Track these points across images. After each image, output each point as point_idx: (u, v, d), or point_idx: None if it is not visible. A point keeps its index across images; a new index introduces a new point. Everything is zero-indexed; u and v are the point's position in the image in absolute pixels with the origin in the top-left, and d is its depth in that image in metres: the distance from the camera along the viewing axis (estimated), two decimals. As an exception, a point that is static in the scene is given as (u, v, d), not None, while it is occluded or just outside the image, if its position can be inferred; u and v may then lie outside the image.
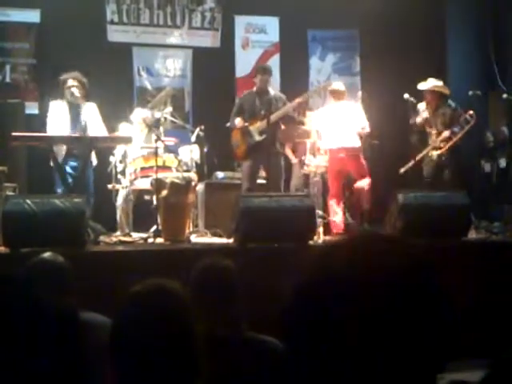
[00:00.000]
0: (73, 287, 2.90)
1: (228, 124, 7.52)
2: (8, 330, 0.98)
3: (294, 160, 8.73)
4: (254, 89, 7.51)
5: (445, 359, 0.97)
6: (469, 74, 8.95)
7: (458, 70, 9.53)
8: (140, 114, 7.63)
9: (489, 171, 8.65)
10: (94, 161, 7.09)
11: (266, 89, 7.42)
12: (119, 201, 7.16)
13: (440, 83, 8.02)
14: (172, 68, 10.03)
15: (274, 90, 7.67)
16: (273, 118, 7.19)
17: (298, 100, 7.46)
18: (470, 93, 7.98)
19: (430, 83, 7.97)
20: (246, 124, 7.30)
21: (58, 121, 6.95)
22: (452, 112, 7.87)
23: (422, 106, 8.00)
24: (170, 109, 7.91)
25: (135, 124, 7.59)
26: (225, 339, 2.61)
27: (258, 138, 7.25)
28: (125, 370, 1.67)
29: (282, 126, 7.62)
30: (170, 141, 7.56)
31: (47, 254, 3.14)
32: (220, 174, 8.29)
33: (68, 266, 3.11)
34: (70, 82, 6.96)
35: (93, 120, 7.08)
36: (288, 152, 8.70)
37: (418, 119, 7.94)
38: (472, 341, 4.60)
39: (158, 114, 7.66)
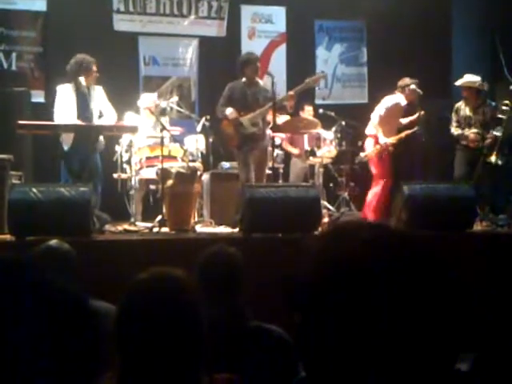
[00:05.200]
0: (78, 274, 2.91)
1: (218, 114, 7.37)
2: (17, 316, 0.99)
3: (295, 151, 8.74)
4: (243, 79, 7.31)
5: (459, 349, 0.98)
6: (475, 65, 8.89)
7: (465, 60, 9.48)
8: (146, 100, 7.63)
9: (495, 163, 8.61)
10: (102, 145, 7.05)
11: (255, 79, 7.32)
12: (133, 189, 7.18)
13: (476, 79, 7.85)
14: (178, 57, 10.01)
15: (263, 82, 7.59)
16: (279, 102, 7.15)
17: (296, 88, 7.42)
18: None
19: (465, 79, 7.88)
20: (237, 116, 7.17)
21: (65, 106, 6.91)
22: (492, 112, 7.76)
23: (459, 104, 7.91)
24: (175, 98, 7.91)
25: (141, 110, 7.58)
26: (229, 327, 2.62)
27: (251, 129, 7.18)
28: (129, 357, 1.68)
29: (280, 117, 7.62)
30: (176, 130, 7.56)
31: (53, 242, 3.15)
32: (225, 164, 8.29)
33: (74, 254, 3.13)
34: (94, 68, 6.93)
35: (101, 104, 7.05)
36: (286, 145, 8.73)
37: (455, 129, 7.86)
38: (476, 334, 4.59)
39: (163, 104, 7.64)
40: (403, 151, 7.70)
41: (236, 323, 2.68)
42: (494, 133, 7.69)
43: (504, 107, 7.71)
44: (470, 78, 7.88)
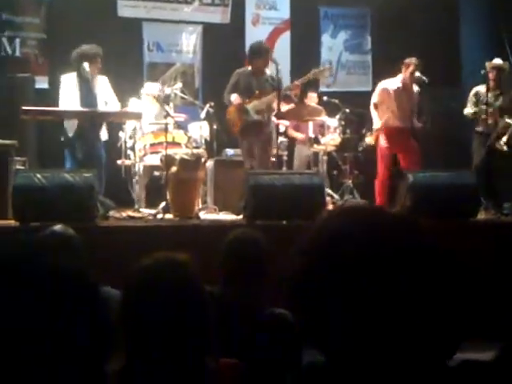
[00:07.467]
0: (83, 260, 2.92)
1: (225, 100, 7.40)
2: (28, 302, 0.99)
3: (300, 136, 8.74)
4: (249, 68, 7.32)
5: (458, 340, 0.98)
6: (481, 53, 8.85)
7: (470, 48, 9.44)
8: (150, 89, 7.61)
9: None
10: (105, 136, 7.06)
11: (264, 70, 7.31)
12: (137, 176, 7.17)
13: (504, 62, 7.87)
14: (182, 44, 9.98)
15: (269, 70, 7.45)
16: (283, 92, 7.14)
17: (302, 79, 7.43)
18: (483, 72, 7.90)
19: (494, 61, 7.84)
20: (242, 102, 7.18)
21: (69, 95, 6.90)
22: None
23: (478, 88, 7.85)
24: (179, 85, 7.88)
25: (145, 98, 7.56)
26: (243, 310, 2.66)
27: (255, 116, 7.20)
28: (135, 340, 1.69)
29: (286, 105, 7.61)
30: (180, 117, 7.55)
31: (58, 227, 3.15)
32: (229, 151, 8.29)
33: (78, 239, 3.13)
34: (98, 59, 6.90)
35: (105, 93, 7.03)
36: (291, 132, 8.74)
37: (472, 109, 7.79)
38: (483, 322, 4.59)
39: (167, 90, 7.63)
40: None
41: (251, 307, 2.71)
42: (507, 120, 7.65)
43: None
44: (499, 61, 7.86)
